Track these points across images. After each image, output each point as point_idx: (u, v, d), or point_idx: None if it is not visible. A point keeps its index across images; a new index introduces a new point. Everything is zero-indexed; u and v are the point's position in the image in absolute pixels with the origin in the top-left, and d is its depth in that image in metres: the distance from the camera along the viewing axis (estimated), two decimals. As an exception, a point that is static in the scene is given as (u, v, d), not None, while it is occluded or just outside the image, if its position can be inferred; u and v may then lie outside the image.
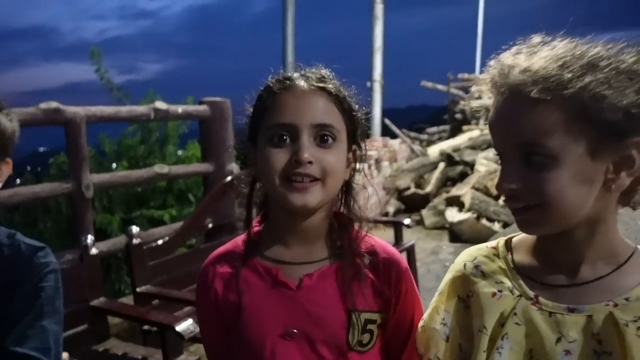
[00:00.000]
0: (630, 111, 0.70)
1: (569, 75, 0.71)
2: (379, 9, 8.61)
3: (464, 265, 0.89)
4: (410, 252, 3.71)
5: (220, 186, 3.21)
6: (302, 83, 0.92)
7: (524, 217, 0.76)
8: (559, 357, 0.75)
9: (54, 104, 3.00)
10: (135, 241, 2.52)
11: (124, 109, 3.64)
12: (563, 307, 0.77)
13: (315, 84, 0.92)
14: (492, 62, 0.80)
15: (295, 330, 0.92)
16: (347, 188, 0.99)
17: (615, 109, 0.70)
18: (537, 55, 0.76)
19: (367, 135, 1.01)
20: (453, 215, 6.01)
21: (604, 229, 0.78)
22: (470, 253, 0.91)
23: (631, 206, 0.79)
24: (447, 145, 8.70)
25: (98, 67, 5.83)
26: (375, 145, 7.20)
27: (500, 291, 0.82)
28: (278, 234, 0.97)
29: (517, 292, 0.81)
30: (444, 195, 6.60)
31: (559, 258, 0.80)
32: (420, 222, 6.46)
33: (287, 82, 0.92)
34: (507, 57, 0.78)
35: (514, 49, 0.79)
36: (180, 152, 5.64)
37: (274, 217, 0.98)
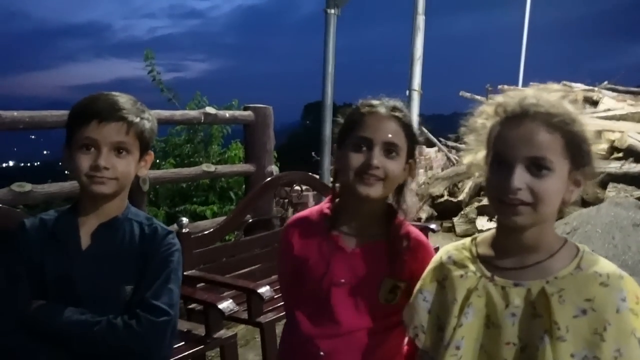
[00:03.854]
0: (589, 150, 1.01)
1: (573, 116, 0.99)
2: (420, 19, 8.77)
3: (441, 257, 1.17)
4: (435, 255, 3.91)
5: (261, 186, 3.52)
6: (382, 110, 1.25)
7: (516, 210, 0.99)
8: (507, 318, 1.02)
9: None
10: (184, 230, 2.85)
11: (178, 113, 4.01)
12: (511, 282, 1.03)
13: (391, 112, 1.25)
14: (511, 93, 1.07)
15: (343, 281, 1.25)
16: (400, 189, 1.32)
17: (587, 146, 1.00)
18: (551, 96, 1.02)
19: (420, 152, 1.45)
20: (483, 224, 6.17)
21: (547, 227, 1.04)
22: (446, 248, 1.18)
23: (559, 216, 1.07)
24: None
25: (151, 69, 6.02)
26: (411, 152, 7.34)
27: (466, 273, 1.09)
28: (345, 213, 1.30)
29: (478, 274, 1.08)
30: (476, 204, 6.72)
31: (510, 249, 1.06)
32: (451, 229, 6.63)
33: (372, 107, 1.26)
34: (529, 91, 1.05)
35: (534, 87, 1.07)
36: (224, 151, 5.91)
37: (344, 201, 1.32)
